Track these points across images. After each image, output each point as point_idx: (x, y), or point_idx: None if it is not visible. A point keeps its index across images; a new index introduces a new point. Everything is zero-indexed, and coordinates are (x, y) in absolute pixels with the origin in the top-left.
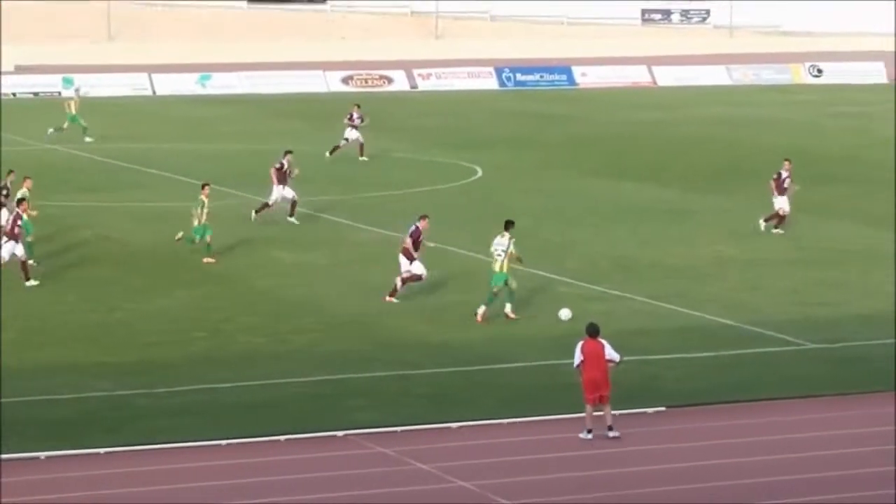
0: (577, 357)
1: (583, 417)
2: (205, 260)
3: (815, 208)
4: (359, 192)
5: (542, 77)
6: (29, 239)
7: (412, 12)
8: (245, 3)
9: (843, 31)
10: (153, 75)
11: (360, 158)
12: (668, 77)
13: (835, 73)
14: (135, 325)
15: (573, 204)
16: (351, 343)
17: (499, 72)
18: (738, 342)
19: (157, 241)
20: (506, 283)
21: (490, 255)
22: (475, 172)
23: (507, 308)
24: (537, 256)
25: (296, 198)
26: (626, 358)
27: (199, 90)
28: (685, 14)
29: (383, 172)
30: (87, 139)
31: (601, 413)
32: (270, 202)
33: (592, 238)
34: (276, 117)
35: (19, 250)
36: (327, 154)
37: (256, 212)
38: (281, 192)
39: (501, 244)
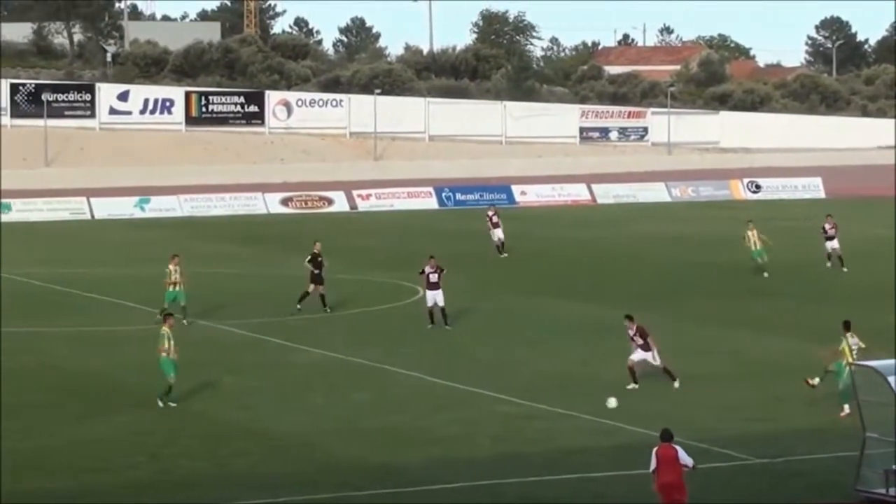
0: (652, 462)
1: None
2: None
3: (755, 323)
4: (298, 314)
5: (481, 196)
6: None
7: (351, 133)
8: (183, 125)
9: (781, 146)
10: (91, 199)
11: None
12: (607, 194)
13: (773, 189)
14: (74, 450)
15: (513, 322)
16: (291, 466)
17: (438, 191)
18: None
19: (96, 365)
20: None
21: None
22: (416, 292)
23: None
24: (478, 376)
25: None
26: (568, 476)
27: (138, 213)
28: (623, 132)
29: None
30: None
31: None
32: None
33: (533, 356)
34: (215, 240)
35: None
36: (828, 264)
37: None
38: None
39: (857, 343)
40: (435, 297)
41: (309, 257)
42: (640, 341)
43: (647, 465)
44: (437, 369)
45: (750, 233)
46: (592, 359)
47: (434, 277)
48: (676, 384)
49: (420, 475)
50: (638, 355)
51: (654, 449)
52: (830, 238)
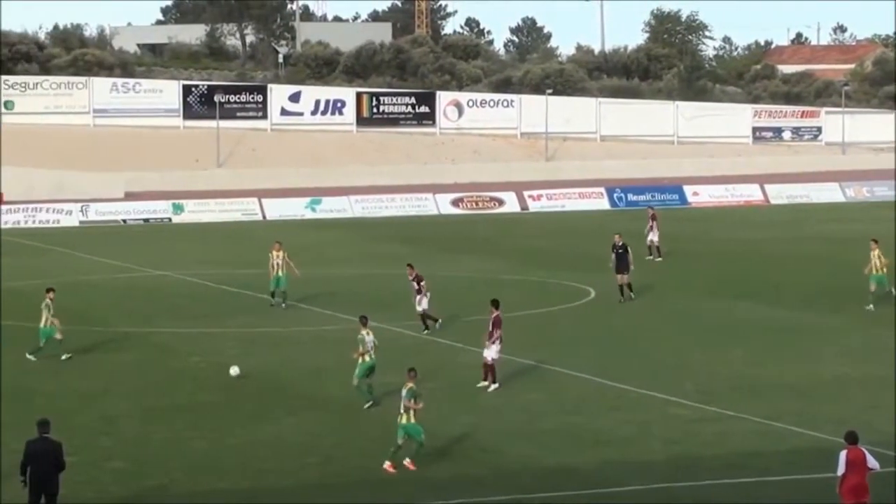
0: (842, 466)
1: None
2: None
3: None
4: (468, 314)
5: (653, 196)
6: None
7: (522, 133)
8: (354, 126)
9: None
10: (263, 200)
11: None
12: (780, 195)
13: None
14: (247, 451)
15: (687, 324)
16: (463, 467)
17: (610, 192)
18: None
19: (267, 366)
20: None
21: None
22: (588, 294)
23: None
24: (651, 378)
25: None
26: (742, 480)
27: (309, 214)
28: (796, 131)
29: (494, 294)
30: None
31: None
32: None
33: (706, 358)
34: (386, 241)
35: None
36: None
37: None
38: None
39: None
40: (419, 303)
41: (612, 247)
42: (490, 329)
43: (822, 468)
44: (608, 371)
45: (872, 253)
46: (764, 360)
47: (415, 286)
48: (493, 388)
49: (593, 477)
50: (487, 350)
51: (843, 452)
52: None
